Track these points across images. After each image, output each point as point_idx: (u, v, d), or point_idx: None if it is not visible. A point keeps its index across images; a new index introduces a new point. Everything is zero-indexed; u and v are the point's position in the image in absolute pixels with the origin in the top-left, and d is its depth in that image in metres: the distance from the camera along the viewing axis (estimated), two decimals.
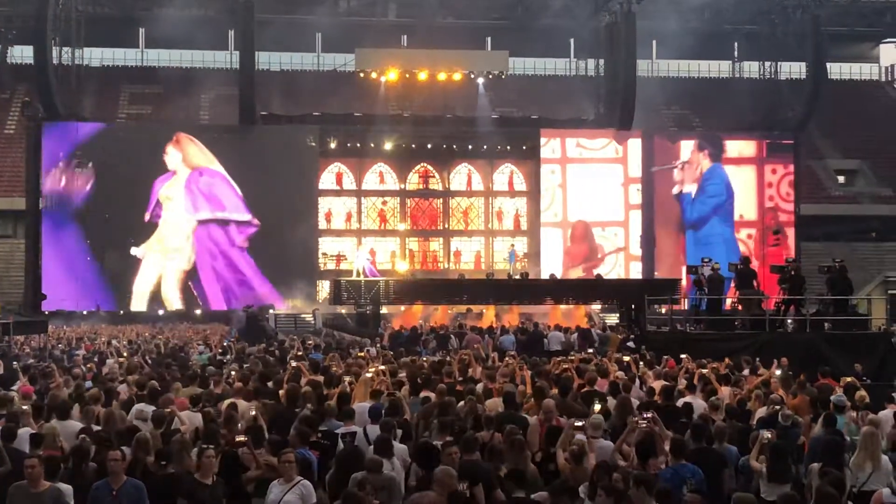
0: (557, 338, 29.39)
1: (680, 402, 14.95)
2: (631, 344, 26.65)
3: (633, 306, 31.95)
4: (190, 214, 46.46)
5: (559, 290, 39.83)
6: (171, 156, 46.39)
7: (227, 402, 15.12)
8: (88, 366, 21.25)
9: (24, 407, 14.13)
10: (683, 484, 10.59)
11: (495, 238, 51.55)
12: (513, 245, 46.67)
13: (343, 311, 41.75)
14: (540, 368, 19.14)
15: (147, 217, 46.06)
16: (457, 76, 50.62)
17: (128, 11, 53.54)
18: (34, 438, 12.24)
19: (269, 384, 16.90)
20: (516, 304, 39.71)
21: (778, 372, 18.61)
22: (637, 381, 17.84)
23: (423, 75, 50.17)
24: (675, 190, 49.49)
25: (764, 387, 16.32)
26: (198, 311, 45.84)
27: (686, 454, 11.24)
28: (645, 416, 11.98)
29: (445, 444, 10.79)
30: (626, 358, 20.19)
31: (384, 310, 38.53)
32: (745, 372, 19.39)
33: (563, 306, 39.51)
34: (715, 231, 48.99)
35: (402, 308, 40.83)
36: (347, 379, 17.44)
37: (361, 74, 50.42)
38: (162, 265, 46.27)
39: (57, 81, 46.65)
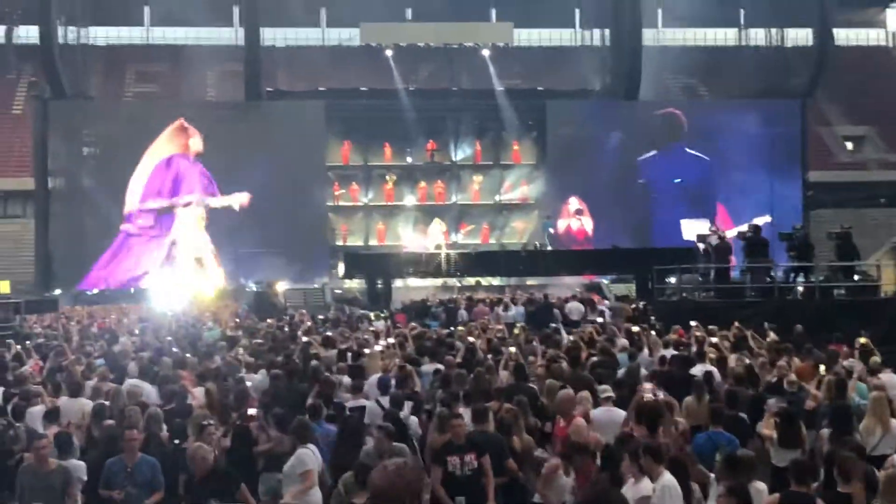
0: (577, 308, 29.38)
1: (697, 371, 15.07)
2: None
3: (649, 276, 31.81)
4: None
5: (573, 261, 39.82)
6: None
7: (238, 376, 15.27)
8: (99, 343, 21.37)
9: (34, 386, 14.28)
10: (716, 450, 10.66)
11: (503, 211, 51.51)
12: (549, 216, 45.91)
13: (354, 286, 41.84)
14: (556, 338, 19.30)
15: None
16: (462, 49, 50.47)
17: None
18: (50, 415, 12.37)
19: (280, 359, 16.99)
20: (529, 278, 39.85)
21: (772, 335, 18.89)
22: (646, 350, 17.90)
23: (428, 49, 50.07)
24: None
25: (773, 353, 16.39)
26: (209, 289, 45.83)
27: (723, 421, 11.36)
28: (648, 387, 12.13)
29: (451, 416, 10.85)
30: (635, 329, 20.23)
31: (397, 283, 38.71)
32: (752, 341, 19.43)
33: (573, 279, 39.68)
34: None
35: (412, 283, 41.02)
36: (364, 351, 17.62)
37: (367, 48, 50.29)
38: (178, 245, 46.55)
39: (63, 61, 46.61)
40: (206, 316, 31.53)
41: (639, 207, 48.15)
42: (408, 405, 13.20)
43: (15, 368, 16.68)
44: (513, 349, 16.92)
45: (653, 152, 49.05)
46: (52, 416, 12.43)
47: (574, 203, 48.41)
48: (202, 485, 10.01)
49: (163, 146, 46.62)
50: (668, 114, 49.98)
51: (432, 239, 44.14)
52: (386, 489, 4.91)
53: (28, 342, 22.00)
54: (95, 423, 12.24)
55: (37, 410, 12.86)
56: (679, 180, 48.47)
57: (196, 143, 46.46)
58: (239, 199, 46.25)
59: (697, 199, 48.08)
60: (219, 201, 46.48)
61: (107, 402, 13.18)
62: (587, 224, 48.51)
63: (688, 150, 49.21)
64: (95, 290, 45.21)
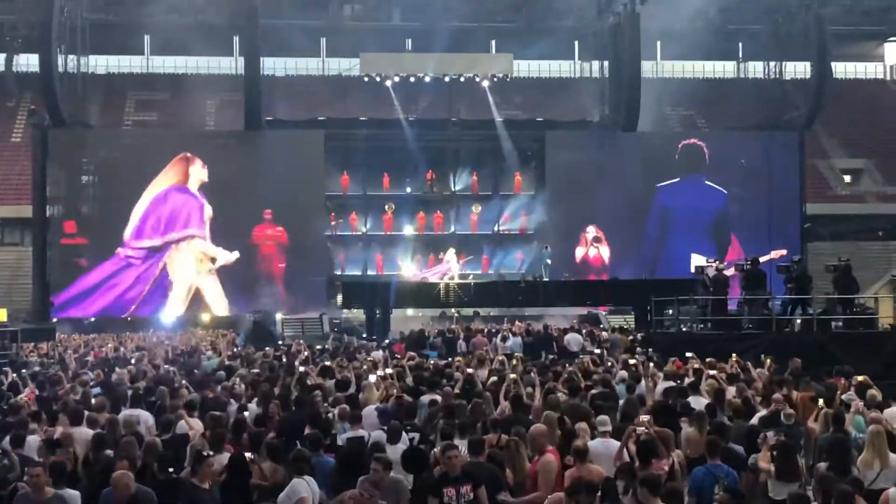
0: (576, 339, 29.31)
1: (694, 403, 15.06)
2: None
3: (648, 308, 31.79)
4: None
5: (572, 292, 39.78)
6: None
7: (236, 406, 15.25)
8: (96, 373, 21.31)
9: (28, 415, 14.24)
10: (716, 483, 10.62)
11: (502, 241, 51.57)
12: (547, 246, 45.97)
13: (352, 315, 41.83)
14: (553, 369, 19.25)
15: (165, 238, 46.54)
16: (462, 79, 50.67)
17: (133, 18, 53.50)
18: (49, 444, 12.31)
19: (276, 389, 16.95)
20: (527, 308, 39.81)
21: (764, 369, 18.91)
22: (642, 381, 17.87)
23: (428, 79, 50.22)
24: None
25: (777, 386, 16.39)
26: (205, 317, 45.88)
27: (721, 454, 11.33)
28: (644, 419, 12.12)
29: (446, 448, 10.77)
30: (633, 361, 20.20)
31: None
32: (754, 372, 19.40)
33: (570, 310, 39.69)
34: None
35: (409, 312, 41.04)
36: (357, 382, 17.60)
37: (366, 79, 50.44)
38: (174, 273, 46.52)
39: (63, 89, 46.69)
40: (204, 345, 31.50)
41: (640, 237, 48.36)
42: (408, 437, 13.13)
43: (10, 397, 16.64)
44: (513, 375, 16.92)
45: (674, 180, 49.14)
46: (54, 444, 12.37)
47: (592, 231, 48.53)
48: None
49: (163, 178, 46.64)
50: (691, 144, 50.18)
51: (451, 267, 44.31)
52: None
53: (24, 371, 21.96)
54: (95, 452, 12.19)
55: (33, 439, 12.81)
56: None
57: (198, 172, 46.44)
58: (228, 258, 46.23)
59: (713, 231, 48.36)
60: (212, 251, 46.43)
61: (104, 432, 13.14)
62: (604, 252, 48.62)
63: (707, 182, 49.35)
64: (92, 319, 45.17)
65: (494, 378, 18.13)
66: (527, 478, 11.48)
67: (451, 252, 45.26)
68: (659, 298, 30.62)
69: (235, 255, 45.89)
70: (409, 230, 50.94)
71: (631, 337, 29.33)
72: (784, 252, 44.62)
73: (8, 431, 12.93)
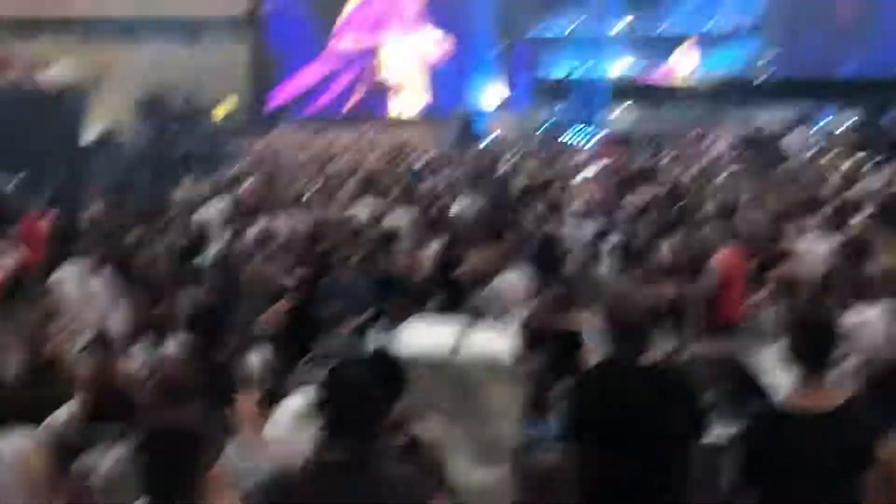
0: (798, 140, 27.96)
1: None
2: None
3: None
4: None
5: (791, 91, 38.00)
6: None
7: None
8: (308, 170, 21.94)
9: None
10: None
11: (716, 41, 49.69)
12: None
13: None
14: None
15: None
16: None
17: None
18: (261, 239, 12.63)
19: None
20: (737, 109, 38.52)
21: None
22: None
23: None
24: None
25: None
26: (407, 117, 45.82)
27: None
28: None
29: None
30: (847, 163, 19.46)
31: None
32: None
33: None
34: None
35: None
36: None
37: None
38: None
39: None
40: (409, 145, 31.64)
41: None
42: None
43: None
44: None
45: None
46: (267, 236, 12.68)
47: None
48: None
49: None
50: None
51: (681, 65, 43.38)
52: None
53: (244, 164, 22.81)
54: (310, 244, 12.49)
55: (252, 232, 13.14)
56: None
57: None
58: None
59: None
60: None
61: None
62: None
63: None
64: (307, 118, 45.55)
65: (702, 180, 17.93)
66: None
67: (686, 47, 43.68)
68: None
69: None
70: (618, 27, 49.32)
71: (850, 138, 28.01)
72: None
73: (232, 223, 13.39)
